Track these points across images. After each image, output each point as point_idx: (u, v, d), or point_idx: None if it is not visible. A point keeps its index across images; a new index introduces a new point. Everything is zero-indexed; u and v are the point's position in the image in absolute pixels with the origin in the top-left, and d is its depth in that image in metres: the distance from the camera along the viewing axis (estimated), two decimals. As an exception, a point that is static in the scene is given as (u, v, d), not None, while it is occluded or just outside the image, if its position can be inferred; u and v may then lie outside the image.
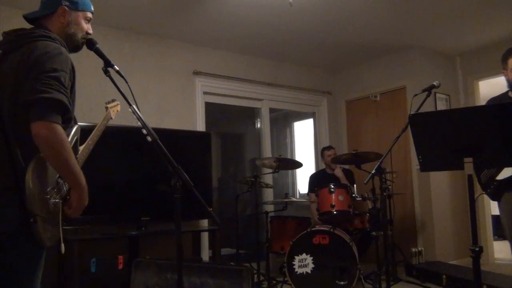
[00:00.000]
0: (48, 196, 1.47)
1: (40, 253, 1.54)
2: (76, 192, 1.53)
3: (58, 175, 1.53)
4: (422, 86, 2.66)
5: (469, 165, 1.80)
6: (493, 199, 2.57)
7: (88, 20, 1.73)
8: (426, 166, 2.12)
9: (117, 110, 2.24)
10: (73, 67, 1.55)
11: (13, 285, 1.49)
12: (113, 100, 2.23)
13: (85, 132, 1.85)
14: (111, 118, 2.17)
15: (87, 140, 1.84)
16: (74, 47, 1.71)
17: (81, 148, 1.77)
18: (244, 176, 4.80)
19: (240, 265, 2.97)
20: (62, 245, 1.52)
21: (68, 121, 1.52)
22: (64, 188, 1.56)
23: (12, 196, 1.41)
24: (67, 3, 1.65)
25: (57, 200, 1.51)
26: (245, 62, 5.08)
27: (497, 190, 2.48)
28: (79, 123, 1.70)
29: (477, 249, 1.82)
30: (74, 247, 3.14)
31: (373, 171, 2.51)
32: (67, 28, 1.66)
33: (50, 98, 1.40)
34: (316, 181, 4.63)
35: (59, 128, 1.42)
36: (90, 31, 1.74)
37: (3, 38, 1.60)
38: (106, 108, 2.18)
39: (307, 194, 4.80)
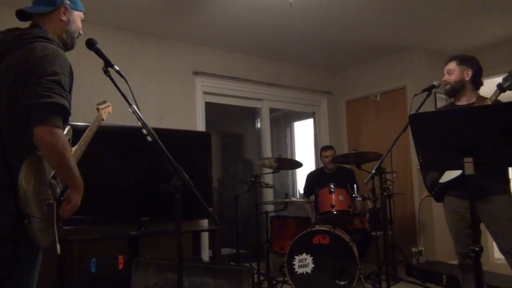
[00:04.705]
0: (42, 197, 1.47)
1: (35, 253, 1.54)
2: (76, 192, 1.55)
3: (51, 176, 1.53)
4: (422, 86, 2.66)
5: (469, 165, 1.79)
6: (437, 201, 2.71)
7: (81, 21, 1.77)
8: (426, 166, 2.12)
9: (109, 112, 2.27)
10: (71, 69, 1.56)
11: (8, 286, 1.48)
12: (104, 102, 2.27)
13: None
14: (103, 120, 2.19)
15: (79, 141, 1.84)
16: (71, 46, 1.73)
17: (73, 149, 1.77)
18: (244, 176, 4.80)
19: (240, 265, 2.97)
20: (58, 246, 1.52)
21: (65, 123, 1.53)
22: (58, 189, 1.57)
23: (7, 197, 1.41)
24: (68, 2, 1.67)
25: (51, 201, 1.52)
26: (245, 62, 5.08)
27: (440, 192, 2.63)
28: (80, 123, 1.70)
29: (477, 249, 1.82)
30: (74, 247, 3.14)
31: (373, 171, 2.52)
32: (68, 26, 1.68)
33: (53, 103, 1.41)
34: (313, 181, 4.63)
35: (61, 132, 1.44)
36: (81, 32, 1.77)
37: None
38: (98, 109, 2.21)
39: (303, 192, 4.80)
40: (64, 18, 1.66)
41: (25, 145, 1.43)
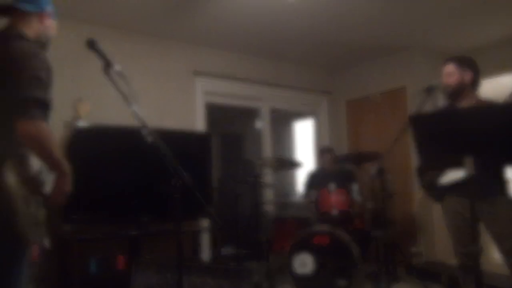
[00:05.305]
0: (30, 193, 1.50)
1: (24, 250, 1.56)
2: (63, 178, 1.58)
3: (37, 172, 1.56)
4: (422, 86, 2.66)
5: (469, 165, 1.79)
6: (436, 201, 2.70)
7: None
8: (426, 166, 2.12)
9: (86, 110, 2.29)
10: (50, 67, 1.59)
11: (2, 282, 1.50)
12: (81, 100, 2.28)
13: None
14: (80, 118, 2.22)
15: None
16: (47, 49, 1.78)
17: None
18: (244, 176, 4.80)
19: (240, 265, 2.97)
20: (47, 241, 1.54)
21: (47, 118, 1.57)
22: (44, 185, 1.59)
23: None
24: (49, 8, 1.75)
25: (38, 197, 1.55)
26: (246, 62, 5.08)
27: (440, 193, 2.61)
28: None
29: (477, 249, 1.82)
30: (74, 247, 3.14)
31: (374, 171, 2.52)
32: (47, 31, 1.75)
33: (35, 97, 1.45)
34: (314, 180, 4.63)
35: (44, 124, 1.48)
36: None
37: None
38: (75, 108, 2.23)
39: (304, 192, 4.80)
40: (45, 22, 1.73)
41: (7, 143, 1.47)
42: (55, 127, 1.71)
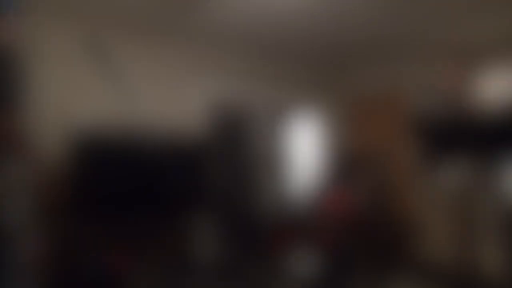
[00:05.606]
0: (9, 187, 1.50)
1: (10, 248, 1.55)
2: (36, 168, 1.57)
3: (14, 165, 1.56)
4: (422, 87, 2.66)
5: (471, 164, 1.80)
6: (437, 201, 2.65)
7: None
8: (431, 165, 2.12)
9: (81, 110, 2.30)
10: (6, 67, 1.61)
11: None
12: (76, 100, 2.29)
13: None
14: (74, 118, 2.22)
15: None
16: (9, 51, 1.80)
17: None
18: (245, 176, 4.80)
19: (239, 265, 2.97)
20: (34, 236, 1.54)
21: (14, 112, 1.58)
22: (13, 174, 1.58)
23: None
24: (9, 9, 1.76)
25: (19, 192, 1.54)
26: (246, 62, 5.08)
27: (441, 192, 2.57)
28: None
29: (474, 248, 1.82)
30: (74, 247, 3.14)
31: (375, 171, 2.52)
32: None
33: None
34: (318, 180, 4.63)
35: (11, 118, 1.51)
36: None
37: None
38: (70, 108, 2.23)
39: (305, 192, 4.81)
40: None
41: None
42: (49, 127, 1.71)
